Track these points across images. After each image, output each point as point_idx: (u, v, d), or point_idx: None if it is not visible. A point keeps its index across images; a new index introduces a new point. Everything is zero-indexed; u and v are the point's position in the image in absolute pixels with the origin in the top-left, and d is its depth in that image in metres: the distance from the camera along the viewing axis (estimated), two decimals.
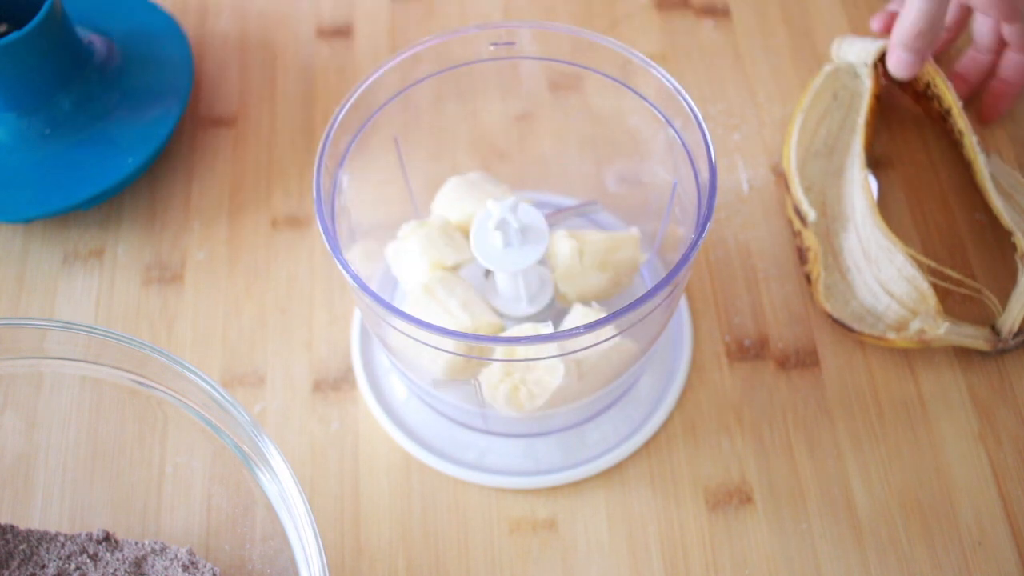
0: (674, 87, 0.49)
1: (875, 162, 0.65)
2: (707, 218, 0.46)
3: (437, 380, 0.51)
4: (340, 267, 0.45)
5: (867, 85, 0.62)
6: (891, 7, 0.68)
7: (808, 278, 0.59)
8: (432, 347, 0.47)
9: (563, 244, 0.52)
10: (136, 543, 0.50)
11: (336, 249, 0.45)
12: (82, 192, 0.61)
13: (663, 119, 0.51)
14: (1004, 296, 0.58)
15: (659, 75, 0.49)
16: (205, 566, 0.49)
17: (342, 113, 0.49)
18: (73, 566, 0.49)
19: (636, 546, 0.53)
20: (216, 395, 0.45)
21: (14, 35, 0.57)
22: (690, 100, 0.48)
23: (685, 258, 0.44)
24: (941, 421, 0.56)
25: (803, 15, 0.71)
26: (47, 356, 0.49)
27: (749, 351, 0.58)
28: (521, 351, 0.48)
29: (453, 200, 0.55)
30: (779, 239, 0.62)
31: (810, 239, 0.58)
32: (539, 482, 0.54)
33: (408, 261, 0.53)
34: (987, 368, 0.57)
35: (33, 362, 0.49)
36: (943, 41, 0.66)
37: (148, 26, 0.67)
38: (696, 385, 0.57)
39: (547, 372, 0.49)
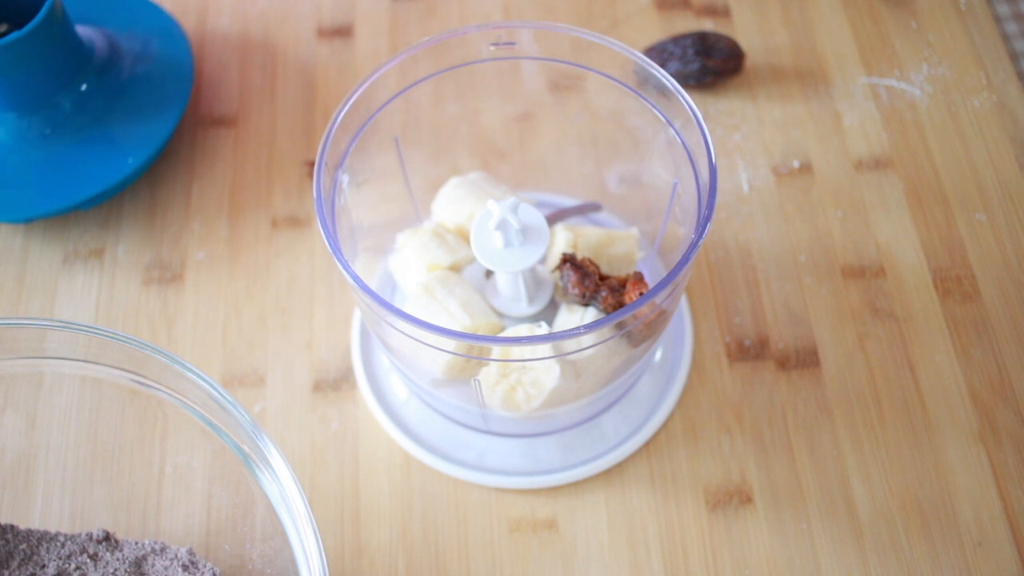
0: (674, 87, 0.49)
1: (875, 162, 0.65)
2: (707, 218, 0.46)
3: (437, 379, 0.51)
4: (340, 267, 0.45)
5: None
6: None
7: None
8: (432, 347, 0.47)
9: (559, 235, 0.53)
10: (136, 543, 0.50)
11: (336, 249, 0.45)
12: (82, 192, 0.61)
13: (663, 119, 0.51)
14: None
15: (659, 75, 0.49)
16: (205, 566, 0.49)
17: (342, 113, 0.49)
18: (73, 566, 0.49)
19: (636, 546, 0.53)
20: (216, 395, 0.45)
21: (14, 35, 0.57)
22: (690, 100, 0.48)
23: (685, 258, 0.44)
24: (941, 421, 0.56)
25: (803, 14, 0.71)
26: (47, 356, 0.49)
27: (749, 351, 0.58)
28: (518, 351, 0.48)
29: (453, 200, 0.55)
30: (779, 239, 0.62)
31: None
32: (539, 482, 0.54)
33: (406, 268, 0.53)
34: (987, 368, 0.57)
35: (33, 362, 0.49)
36: None
37: (148, 26, 0.67)
38: (696, 385, 0.57)
39: (544, 373, 0.49)
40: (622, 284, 0.51)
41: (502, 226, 0.50)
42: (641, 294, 0.48)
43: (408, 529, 0.54)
